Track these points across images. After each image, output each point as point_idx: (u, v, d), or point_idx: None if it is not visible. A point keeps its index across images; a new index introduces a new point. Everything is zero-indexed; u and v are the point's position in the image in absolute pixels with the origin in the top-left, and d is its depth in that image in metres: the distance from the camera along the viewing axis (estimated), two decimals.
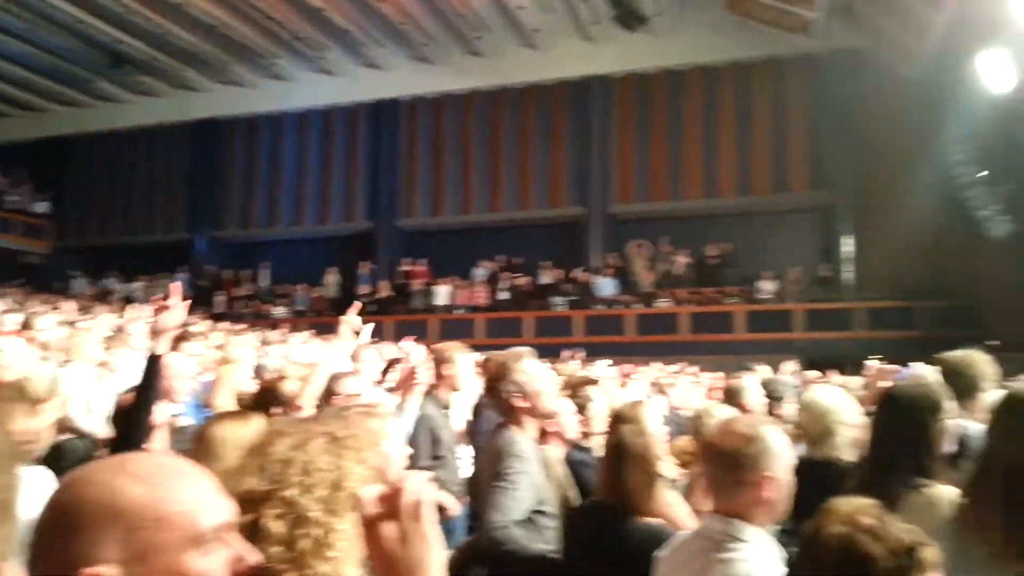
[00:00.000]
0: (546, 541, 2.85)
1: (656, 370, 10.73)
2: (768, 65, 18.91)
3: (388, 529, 0.97)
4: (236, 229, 23.15)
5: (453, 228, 21.15)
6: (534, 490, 2.88)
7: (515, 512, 2.80)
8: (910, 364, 4.17)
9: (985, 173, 13.81)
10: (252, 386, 4.15)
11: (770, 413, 4.66)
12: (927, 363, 3.54)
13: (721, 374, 9.60)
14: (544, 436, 3.33)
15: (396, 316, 18.05)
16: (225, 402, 4.28)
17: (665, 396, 7.42)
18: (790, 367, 10.10)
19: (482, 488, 3.06)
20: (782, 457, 1.98)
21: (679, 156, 19.63)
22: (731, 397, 4.71)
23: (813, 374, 9.33)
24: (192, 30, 18.99)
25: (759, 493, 1.94)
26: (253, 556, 0.99)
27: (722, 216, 19.18)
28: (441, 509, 4.24)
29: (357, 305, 3.58)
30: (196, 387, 4.67)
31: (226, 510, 0.99)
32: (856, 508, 1.36)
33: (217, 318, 16.65)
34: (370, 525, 0.98)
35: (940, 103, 14.23)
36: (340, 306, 18.53)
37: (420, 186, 21.55)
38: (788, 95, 18.96)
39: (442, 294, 19.54)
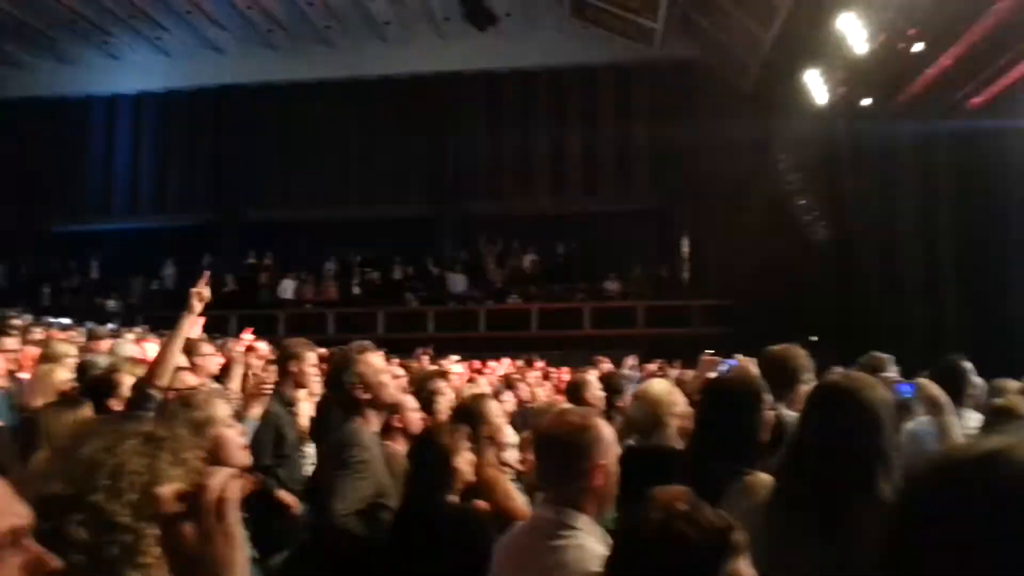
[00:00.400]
0: (383, 533, 2.83)
1: (505, 365, 10.88)
2: (613, 71, 19.57)
3: (189, 528, 0.93)
4: (65, 218, 21.52)
5: (302, 221, 20.56)
6: (375, 481, 2.86)
7: (356, 501, 2.77)
8: (735, 357, 4.43)
9: (806, 182, 14.90)
10: (73, 385, 3.87)
11: (610, 405, 4.84)
12: (750, 357, 3.77)
13: (567, 369, 9.87)
14: (388, 431, 3.31)
15: (242, 311, 17.37)
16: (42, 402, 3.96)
17: (514, 391, 7.54)
18: (631, 362, 10.50)
19: (324, 482, 3.01)
20: (611, 446, 2.06)
21: (529, 156, 19.99)
22: (574, 391, 4.85)
23: (653, 368, 9.74)
24: None
25: (590, 481, 2.00)
26: (51, 562, 0.93)
27: (570, 216, 19.67)
28: (285, 508, 4.14)
29: (206, 274, 3.45)
30: (10, 386, 4.32)
31: (19, 515, 0.92)
32: (672, 495, 1.43)
33: (43, 312, 15.44)
34: (170, 524, 0.94)
35: (770, 114, 15.23)
36: (178, 300, 17.69)
37: (267, 177, 20.83)
38: (632, 101, 19.69)
39: (289, 289, 19.00)
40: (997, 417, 3.50)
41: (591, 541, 1.97)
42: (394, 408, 3.23)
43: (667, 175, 19.11)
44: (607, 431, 2.08)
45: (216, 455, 1.84)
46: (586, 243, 19.40)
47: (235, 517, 0.94)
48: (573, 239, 19.48)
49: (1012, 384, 4.60)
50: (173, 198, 21.20)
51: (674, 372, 8.08)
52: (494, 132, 20.14)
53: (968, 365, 4.08)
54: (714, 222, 17.82)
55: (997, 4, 9.63)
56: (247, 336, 5.18)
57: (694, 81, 18.22)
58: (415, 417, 3.44)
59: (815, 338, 12.30)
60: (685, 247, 19.03)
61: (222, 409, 2.15)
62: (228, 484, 0.95)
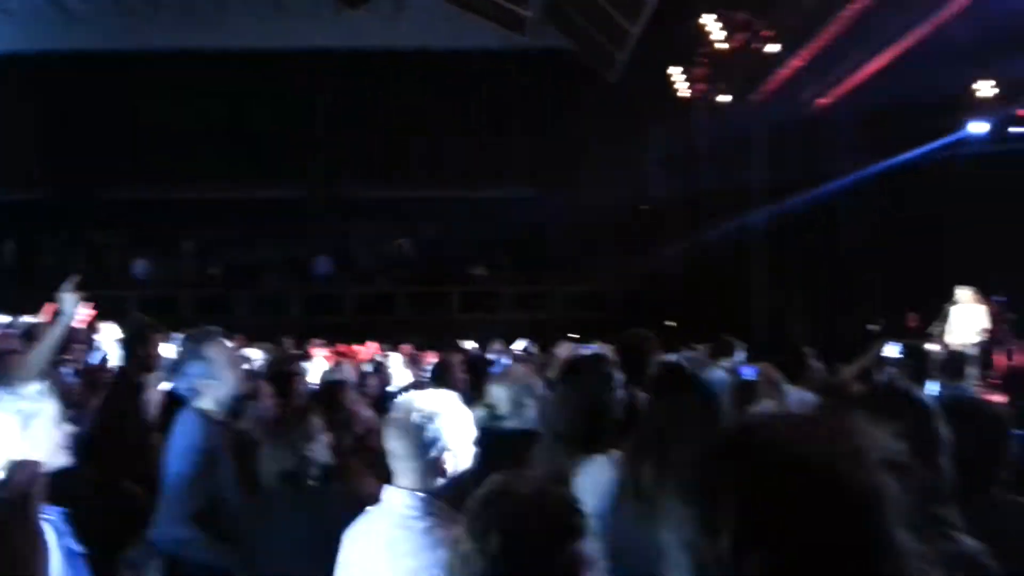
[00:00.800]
0: (229, 530, 2.76)
1: (372, 349, 10.77)
2: (486, 56, 19.54)
3: None
4: None
5: (158, 200, 19.49)
6: (218, 476, 2.77)
7: (190, 504, 2.68)
8: (595, 342, 4.57)
9: (668, 173, 15.48)
10: None
11: (474, 388, 4.87)
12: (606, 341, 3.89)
13: (434, 353, 9.86)
14: (241, 417, 3.21)
15: (90, 291, 16.32)
16: None
17: (380, 375, 7.48)
18: (497, 346, 10.62)
19: (167, 477, 2.90)
20: (466, 430, 2.07)
21: (401, 139, 19.74)
22: (438, 374, 4.85)
23: (518, 351, 9.88)
24: None
25: (442, 466, 2.01)
26: None
27: (442, 200, 19.59)
28: (131, 499, 3.95)
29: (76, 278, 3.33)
30: None
31: None
32: (520, 479, 1.45)
33: None
34: None
35: (637, 107, 15.71)
36: (17, 280, 16.52)
37: (121, 151, 19.60)
38: (505, 88, 19.76)
39: (142, 268, 18.07)
40: (829, 396, 3.77)
41: (445, 525, 1.98)
42: (245, 395, 3.13)
43: (538, 162, 19.33)
44: (461, 415, 2.08)
45: (33, 452, 1.72)
46: (457, 228, 19.40)
47: (37, 513, 0.89)
48: (445, 224, 19.42)
49: (847, 369, 5.00)
50: (13, 171, 19.61)
51: (538, 356, 8.22)
52: (366, 113, 19.73)
53: (808, 351, 4.37)
54: (583, 210, 18.20)
55: (844, 11, 10.28)
56: (84, 311, 4.88)
57: (565, 71, 18.48)
58: (269, 403, 3.35)
59: (672, 323, 12.85)
60: (554, 234, 19.33)
61: (50, 407, 2.03)
62: (33, 479, 0.89)
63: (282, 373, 3.74)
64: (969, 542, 1.72)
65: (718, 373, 4.11)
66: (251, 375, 4.02)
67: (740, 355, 5.13)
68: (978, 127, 12.27)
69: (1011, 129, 12.00)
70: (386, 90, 19.77)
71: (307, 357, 5.13)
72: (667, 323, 12.58)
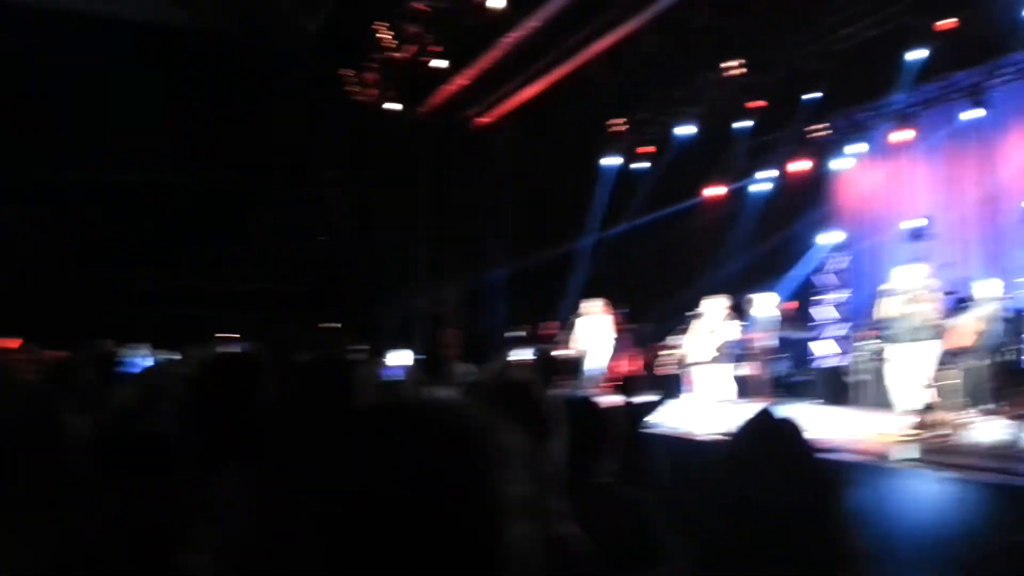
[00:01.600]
0: None
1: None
2: (143, 29, 17.88)
3: None
4: None
5: None
6: None
7: None
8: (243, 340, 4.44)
9: (340, 175, 15.47)
10: None
11: (103, 389, 4.46)
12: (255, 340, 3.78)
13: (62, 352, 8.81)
14: None
15: None
16: None
17: None
18: (142, 347, 9.80)
19: None
20: (80, 437, 1.87)
21: (54, 114, 17.30)
22: (59, 375, 4.36)
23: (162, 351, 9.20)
24: None
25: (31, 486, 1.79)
26: None
27: (100, 185, 17.58)
28: None
29: None
30: None
31: None
32: (135, 489, 1.36)
33: None
34: None
35: (311, 105, 15.47)
36: None
37: None
38: (164, 64, 18.22)
39: None
40: (471, 392, 4.03)
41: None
42: None
43: (206, 152, 18.08)
44: (74, 422, 1.87)
45: None
46: (112, 215, 17.55)
47: None
48: (99, 210, 17.47)
49: (484, 369, 5.40)
50: None
51: (184, 356, 7.73)
52: (10, 78, 16.92)
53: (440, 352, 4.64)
54: (252, 202, 17.43)
55: (507, 37, 11.02)
56: None
57: (237, 56, 17.52)
58: None
59: (338, 324, 12.89)
60: (225, 227, 18.23)
61: None
62: None
63: None
64: (567, 528, 1.91)
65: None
66: None
67: (405, 354, 5.29)
68: (610, 161, 13.97)
69: (633, 165, 13.88)
70: (35, 55, 17.13)
71: None
72: (333, 325, 12.57)
